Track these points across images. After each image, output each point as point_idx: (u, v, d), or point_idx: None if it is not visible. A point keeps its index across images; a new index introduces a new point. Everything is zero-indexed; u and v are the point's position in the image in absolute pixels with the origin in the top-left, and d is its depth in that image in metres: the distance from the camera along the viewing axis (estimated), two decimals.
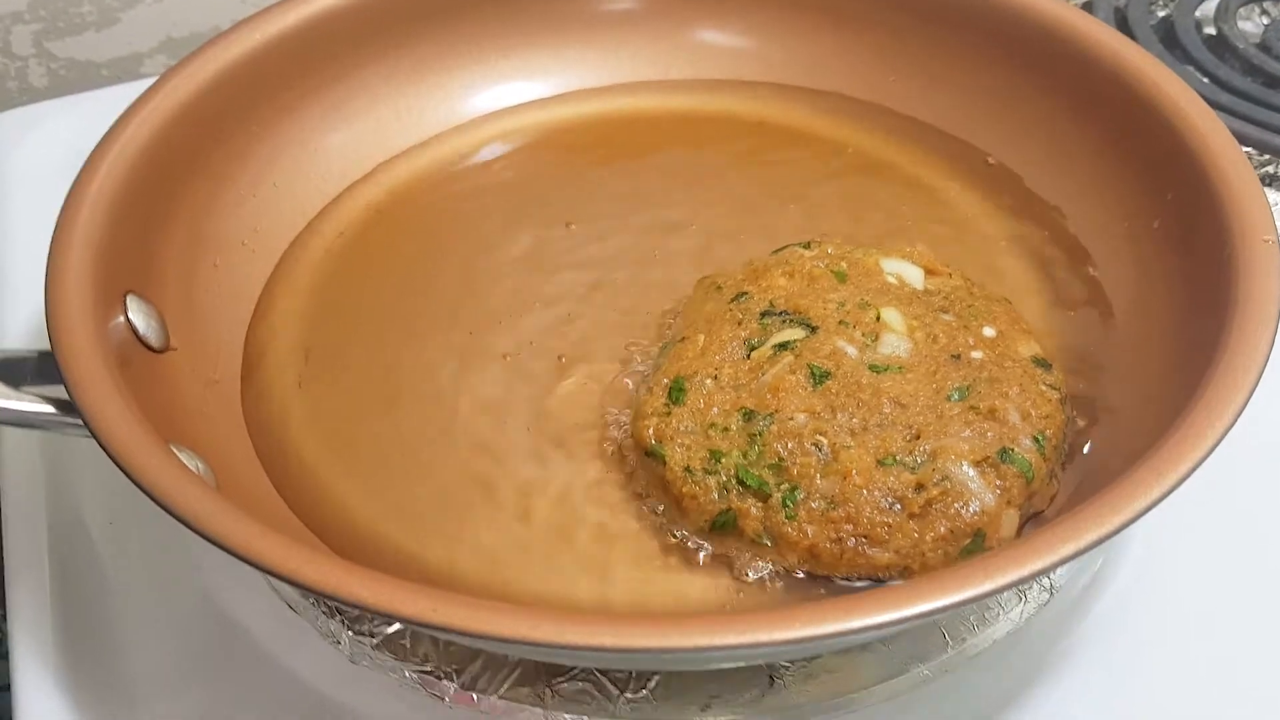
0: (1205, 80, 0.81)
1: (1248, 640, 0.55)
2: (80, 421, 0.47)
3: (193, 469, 0.48)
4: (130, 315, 0.54)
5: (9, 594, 0.59)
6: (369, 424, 0.58)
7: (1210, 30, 0.85)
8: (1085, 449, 0.54)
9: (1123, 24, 0.85)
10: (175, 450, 0.48)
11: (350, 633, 0.52)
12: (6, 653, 0.58)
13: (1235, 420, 0.45)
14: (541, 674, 0.51)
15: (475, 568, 0.52)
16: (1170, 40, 0.84)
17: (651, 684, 0.51)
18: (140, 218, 0.57)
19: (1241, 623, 0.55)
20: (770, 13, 0.73)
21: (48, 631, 0.56)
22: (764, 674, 0.51)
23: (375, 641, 0.52)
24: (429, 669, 0.51)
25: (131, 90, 0.82)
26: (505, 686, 0.51)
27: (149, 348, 0.55)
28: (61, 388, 0.49)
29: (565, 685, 0.51)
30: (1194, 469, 0.43)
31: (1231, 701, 0.53)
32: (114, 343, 0.52)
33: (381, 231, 0.68)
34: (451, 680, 0.51)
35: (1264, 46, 0.83)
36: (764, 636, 0.38)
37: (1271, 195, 0.74)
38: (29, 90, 0.93)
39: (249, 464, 0.56)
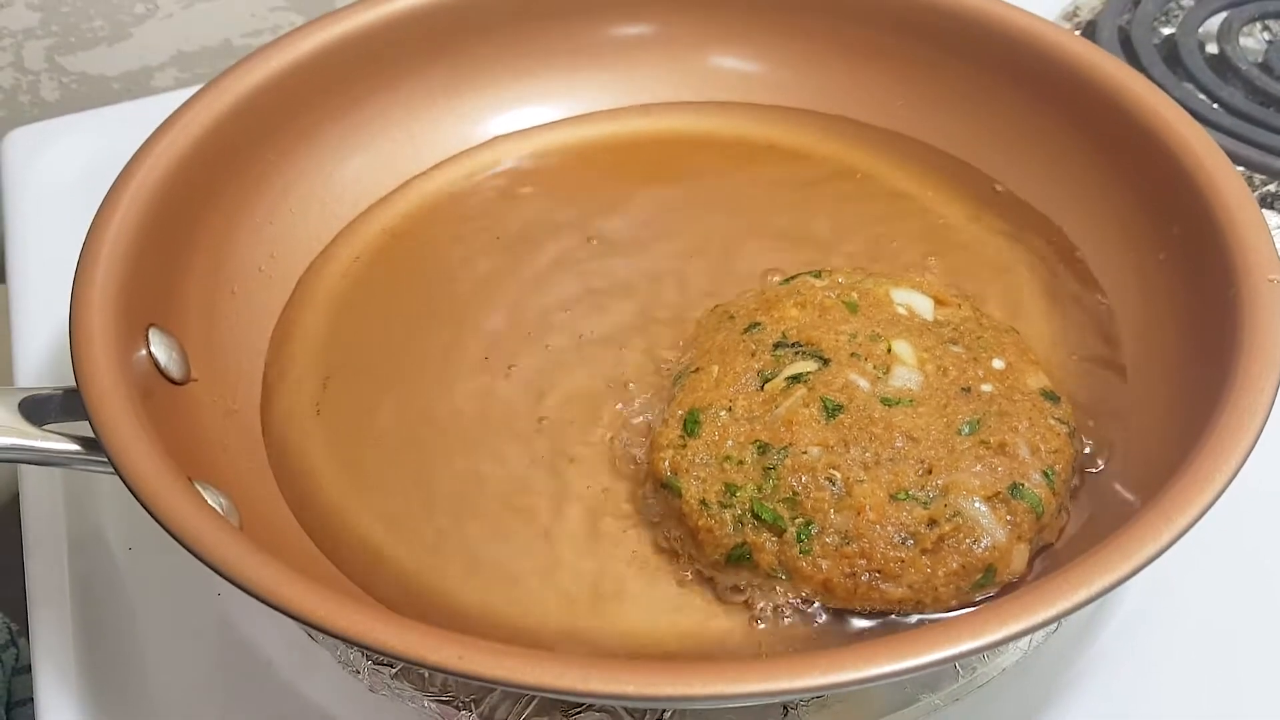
0: (1204, 99, 0.82)
1: (1253, 666, 0.56)
2: (105, 459, 0.48)
3: (216, 507, 0.48)
4: (153, 349, 0.55)
5: (31, 615, 0.59)
6: (387, 451, 0.58)
7: (1213, 49, 0.86)
8: (1094, 482, 0.55)
9: (1126, 42, 0.85)
10: (200, 488, 0.49)
11: (369, 662, 0.53)
12: (28, 666, 0.59)
13: (1241, 465, 0.46)
14: (559, 705, 0.52)
15: (493, 599, 0.53)
16: (1173, 59, 0.85)
17: (667, 715, 0.52)
18: (161, 250, 0.58)
19: (1246, 650, 0.56)
20: (781, 38, 0.73)
21: (69, 654, 0.57)
22: (778, 704, 0.52)
23: (394, 671, 0.53)
24: (447, 699, 0.52)
25: (143, 106, 0.84)
26: (523, 718, 0.51)
27: (170, 380, 0.55)
28: (86, 425, 0.49)
29: (582, 716, 0.51)
30: (1203, 513, 0.44)
31: None
32: (137, 378, 0.52)
33: (397, 255, 0.68)
34: (470, 711, 0.52)
35: (1265, 67, 0.84)
36: (785, 684, 0.39)
37: (1272, 218, 0.75)
38: (40, 104, 0.93)
39: (269, 494, 0.56)
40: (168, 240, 0.59)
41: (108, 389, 0.49)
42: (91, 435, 0.49)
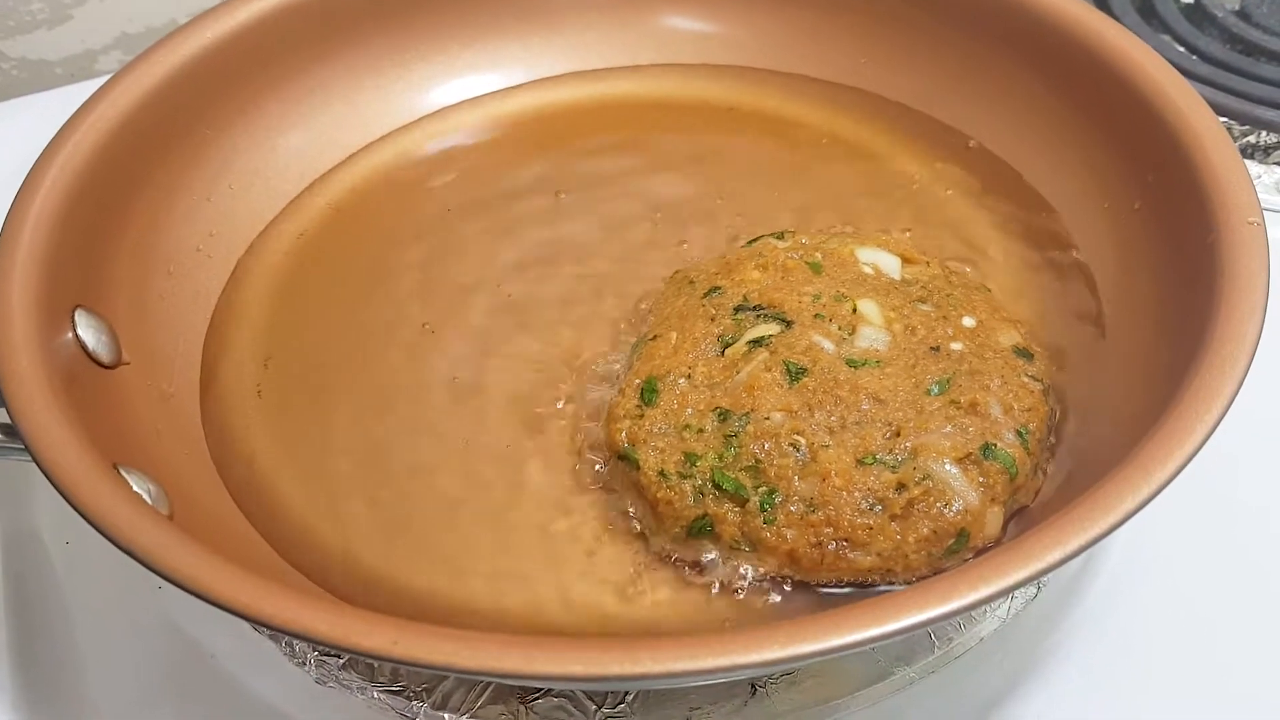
0: (1183, 50, 0.80)
1: (1234, 629, 0.53)
2: (23, 446, 0.45)
3: (143, 494, 0.46)
4: (79, 331, 0.52)
5: None
6: (331, 433, 0.56)
7: None
8: (1071, 440, 0.52)
9: None
10: (125, 474, 0.46)
11: (316, 653, 0.51)
12: None
13: (1223, 415, 0.43)
14: (515, 692, 0.49)
15: (445, 584, 0.50)
16: (1147, 10, 0.82)
17: (629, 698, 0.49)
18: (89, 228, 0.55)
19: (1228, 612, 0.54)
20: None
21: (2, 654, 0.55)
22: (746, 682, 0.49)
23: (341, 662, 0.50)
24: (398, 689, 0.50)
25: (87, 89, 0.80)
26: (478, 705, 0.49)
27: (99, 364, 0.53)
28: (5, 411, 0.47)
29: (540, 703, 0.49)
30: (1183, 466, 0.42)
31: (1220, 693, 0.52)
32: (61, 361, 0.50)
33: (343, 231, 0.66)
34: (421, 700, 0.49)
35: (1243, 14, 0.81)
36: (740, 659, 0.37)
37: (1253, 168, 0.73)
38: None
39: (208, 480, 0.54)
40: (96, 219, 0.56)
41: (25, 372, 0.47)
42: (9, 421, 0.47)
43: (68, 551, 0.58)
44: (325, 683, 0.50)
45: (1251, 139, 0.75)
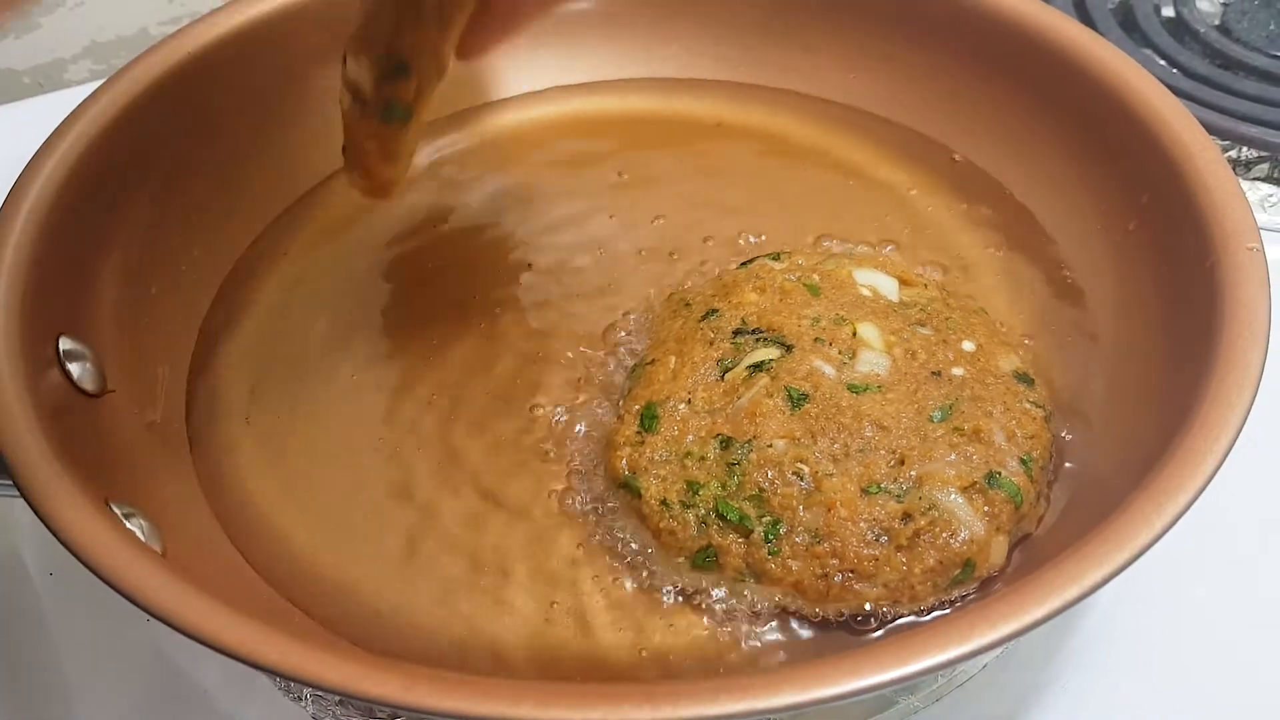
0: (1164, 64, 0.80)
1: (1233, 658, 0.53)
2: (10, 483, 0.44)
3: (135, 530, 0.45)
4: (63, 359, 0.51)
5: None
6: (322, 461, 0.55)
7: (1169, 12, 0.84)
8: (1070, 466, 0.52)
9: (1080, 7, 0.83)
10: (116, 510, 0.45)
11: (312, 688, 0.50)
12: None
13: (1231, 446, 0.43)
14: None
15: (440, 615, 0.49)
16: (1129, 24, 0.82)
17: None
18: (72, 251, 0.54)
19: (1226, 641, 0.54)
20: (725, 12, 0.70)
21: None
22: None
23: (339, 697, 0.49)
24: None
25: (56, 100, 0.79)
26: None
27: (84, 392, 0.51)
28: None
29: None
30: (1194, 498, 0.42)
31: (1228, 713, 0.52)
32: (46, 392, 0.48)
33: (329, 249, 0.64)
34: None
35: (1224, 29, 0.82)
36: (762, 703, 0.36)
37: None
38: None
39: (199, 513, 0.52)
40: (79, 241, 0.55)
41: (12, 406, 0.45)
42: None
43: (52, 582, 0.56)
44: (322, 718, 0.49)
45: (1233, 154, 0.75)
